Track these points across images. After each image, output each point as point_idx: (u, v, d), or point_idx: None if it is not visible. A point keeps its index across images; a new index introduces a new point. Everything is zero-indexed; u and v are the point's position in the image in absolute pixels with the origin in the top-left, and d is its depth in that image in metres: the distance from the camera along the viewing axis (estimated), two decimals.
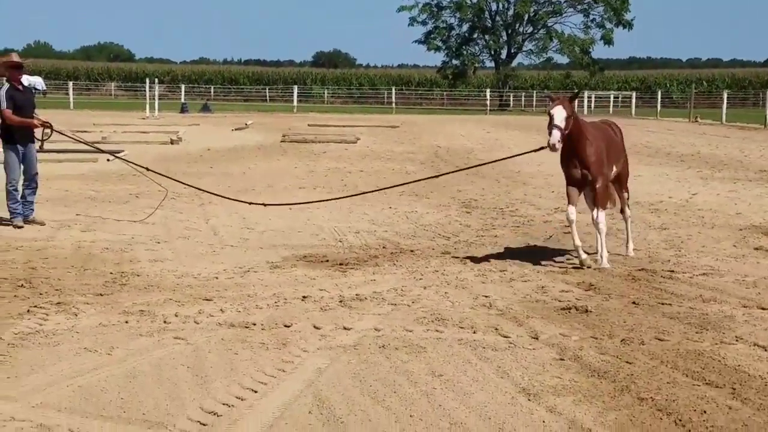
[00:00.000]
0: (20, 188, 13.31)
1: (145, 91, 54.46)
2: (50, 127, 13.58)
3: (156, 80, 58.44)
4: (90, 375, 6.61)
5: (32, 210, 13.46)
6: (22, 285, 9.41)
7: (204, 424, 5.73)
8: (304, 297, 9.06)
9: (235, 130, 37.32)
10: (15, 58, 13.58)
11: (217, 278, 10.01)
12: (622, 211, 11.99)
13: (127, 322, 8.06)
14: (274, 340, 7.56)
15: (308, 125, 41.14)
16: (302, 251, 11.69)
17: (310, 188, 18.54)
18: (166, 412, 5.93)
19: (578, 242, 10.84)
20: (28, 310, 8.38)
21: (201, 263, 10.83)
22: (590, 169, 10.66)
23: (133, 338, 7.55)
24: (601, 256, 10.77)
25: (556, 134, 10.18)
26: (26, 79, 55.26)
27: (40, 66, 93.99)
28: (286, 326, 7.96)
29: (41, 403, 6.04)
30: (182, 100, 61.35)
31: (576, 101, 10.63)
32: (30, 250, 11.42)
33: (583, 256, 10.78)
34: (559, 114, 10.26)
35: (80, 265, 10.56)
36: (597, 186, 10.75)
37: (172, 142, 29.76)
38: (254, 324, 7.99)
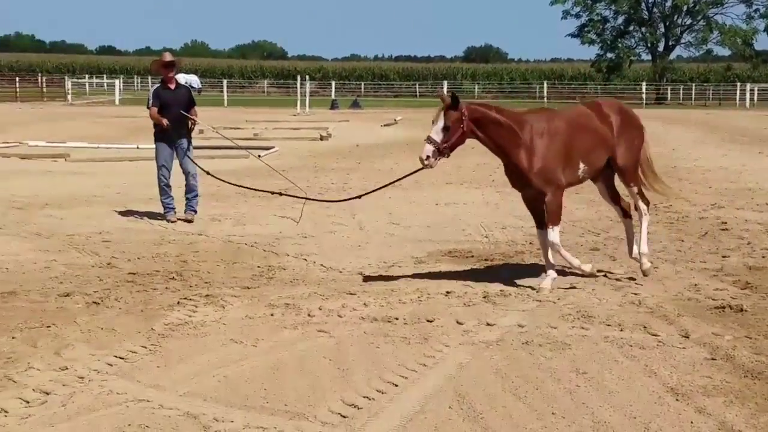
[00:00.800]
0: (173, 183, 13.59)
1: (296, 88, 55.49)
2: (194, 123, 13.72)
3: (307, 77, 59.38)
4: (235, 366, 6.74)
5: (191, 207, 13.64)
6: (173, 278, 9.70)
7: (344, 416, 5.76)
8: (447, 292, 9.02)
9: (384, 126, 37.59)
10: (167, 57, 13.79)
11: (361, 273, 10.07)
12: (636, 208, 10.23)
13: (272, 314, 8.19)
14: (416, 334, 7.54)
15: None
16: (447, 246, 11.65)
17: (457, 183, 18.45)
18: (308, 403, 5.99)
19: (575, 261, 9.49)
20: (179, 302, 8.62)
21: (346, 258, 10.91)
22: (531, 180, 9.10)
23: (278, 331, 7.67)
24: (547, 274, 9.33)
25: (427, 149, 8.76)
26: (183, 77, 56.89)
27: (197, 65, 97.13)
28: (428, 321, 7.94)
29: (188, 392, 6.20)
30: (333, 97, 62.28)
31: (460, 106, 8.78)
32: (182, 243, 11.76)
33: (587, 267, 9.54)
34: (436, 125, 8.82)
35: (229, 258, 10.80)
36: (546, 198, 9.17)
37: (321, 138, 30.17)
38: (397, 318, 8.00)
